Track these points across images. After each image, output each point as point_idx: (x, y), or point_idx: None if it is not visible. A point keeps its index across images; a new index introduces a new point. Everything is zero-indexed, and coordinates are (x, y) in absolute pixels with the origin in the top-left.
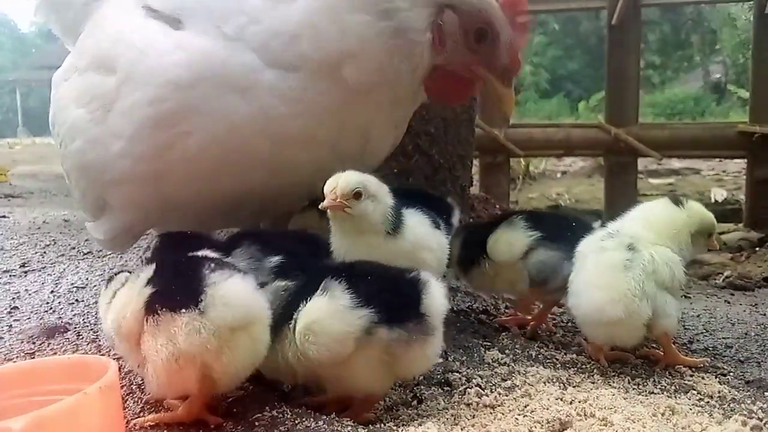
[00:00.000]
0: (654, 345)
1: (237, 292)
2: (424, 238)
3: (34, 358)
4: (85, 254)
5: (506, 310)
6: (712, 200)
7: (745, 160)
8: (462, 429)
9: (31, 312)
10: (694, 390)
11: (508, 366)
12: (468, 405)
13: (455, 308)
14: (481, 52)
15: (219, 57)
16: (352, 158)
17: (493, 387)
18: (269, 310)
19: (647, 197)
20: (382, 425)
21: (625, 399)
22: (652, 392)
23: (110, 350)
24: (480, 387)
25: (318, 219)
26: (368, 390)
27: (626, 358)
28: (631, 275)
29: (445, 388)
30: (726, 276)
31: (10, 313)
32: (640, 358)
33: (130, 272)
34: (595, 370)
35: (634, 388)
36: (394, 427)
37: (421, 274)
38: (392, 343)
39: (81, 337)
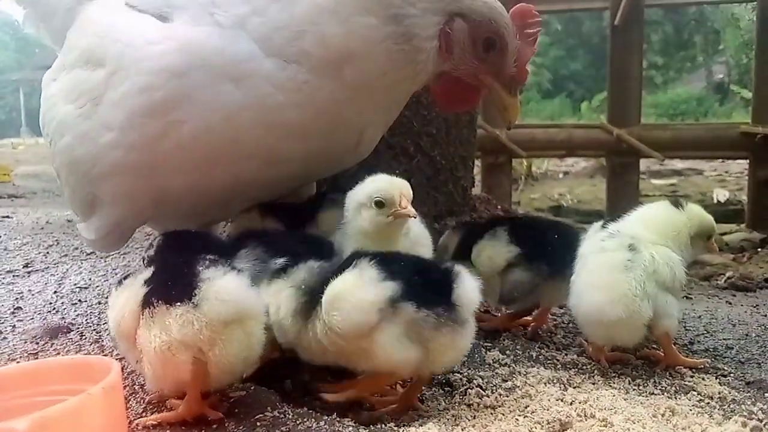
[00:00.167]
0: (654, 346)
1: (230, 288)
2: (420, 235)
3: (37, 358)
4: (88, 254)
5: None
6: (715, 201)
7: (748, 161)
8: (463, 429)
9: (35, 312)
10: (695, 391)
11: (509, 367)
12: (469, 405)
13: None
14: (488, 61)
15: (212, 44)
16: (345, 154)
17: (494, 388)
18: (264, 307)
19: (649, 198)
20: (383, 425)
21: (625, 400)
22: (653, 393)
23: (113, 351)
24: (481, 388)
25: (260, 220)
26: (392, 364)
27: (627, 359)
28: (632, 276)
29: (445, 388)
30: (728, 277)
31: (13, 313)
32: (641, 359)
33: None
34: (595, 371)
35: (634, 389)
36: (395, 428)
37: (455, 266)
38: (419, 323)
39: (84, 337)
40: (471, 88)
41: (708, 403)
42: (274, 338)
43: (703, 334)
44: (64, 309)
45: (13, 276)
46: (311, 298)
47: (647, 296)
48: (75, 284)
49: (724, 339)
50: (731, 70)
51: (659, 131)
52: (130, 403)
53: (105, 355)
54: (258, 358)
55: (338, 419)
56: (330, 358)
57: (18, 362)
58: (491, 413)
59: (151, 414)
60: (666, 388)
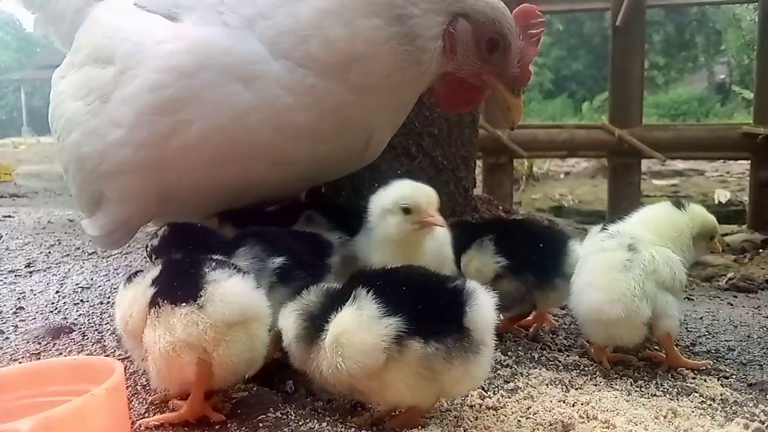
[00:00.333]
0: (656, 347)
1: (236, 290)
2: (444, 235)
3: (39, 358)
4: (89, 254)
5: None
6: (716, 201)
7: (749, 162)
8: (465, 431)
9: (37, 312)
10: (697, 393)
11: (511, 368)
12: (471, 407)
13: None
14: (492, 61)
15: (221, 45)
16: (353, 157)
17: (496, 389)
18: (269, 310)
19: (651, 198)
20: (385, 427)
21: (627, 401)
22: (655, 395)
23: (115, 351)
24: (483, 389)
25: (216, 226)
26: (407, 403)
27: (629, 361)
28: (631, 275)
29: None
30: (729, 278)
31: (15, 313)
32: (643, 361)
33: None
34: (597, 373)
35: (636, 391)
36: (398, 429)
37: (467, 284)
38: (429, 358)
39: (86, 337)
40: (474, 88)
41: (710, 404)
42: (277, 339)
43: (704, 335)
44: (66, 309)
45: (15, 276)
46: (311, 325)
47: (646, 296)
48: (77, 284)
49: (725, 340)
50: (733, 70)
51: (661, 132)
52: (133, 403)
53: (107, 356)
54: (261, 358)
55: (340, 420)
56: (342, 391)
57: (20, 362)
58: (493, 414)
59: (154, 414)
60: (668, 389)
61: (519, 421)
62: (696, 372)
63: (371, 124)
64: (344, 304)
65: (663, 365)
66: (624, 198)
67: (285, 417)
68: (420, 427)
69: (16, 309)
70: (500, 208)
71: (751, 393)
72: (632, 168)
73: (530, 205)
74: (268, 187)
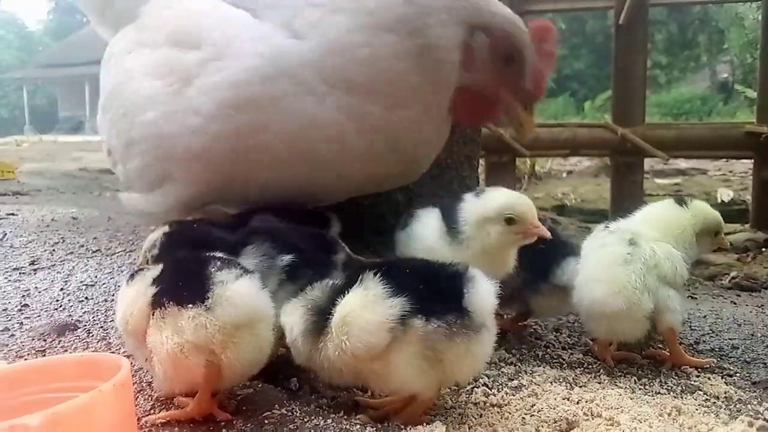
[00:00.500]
0: (660, 345)
1: (243, 292)
2: None
3: (44, 355)
4: (93, 252)
5: None
6: (719, 201)
7: (752, 161)
8: (469, 428)
9: (42, 309)
10: (701, 390)
11: (515, 366)
12: (475, 404)
13: None
14: (507, 76)
15: (302, 58)
16: (403, 171)
17: (500, 386)
18: (273, 310)
19: (653, 197)
20: (390, 423)
21: (631, 399)
22: (659, 392)
23: (120, 348)
24: (487, 386)
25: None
26: (410, 389)
27: (633, 359)
28: (632, 268)
29: (452, 387)
30: (732, 277)
31: (20, 310)
32: (647, 359)
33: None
34: (601, 370)
35: (640, 389)
36: (402, 426)
37: (467, 269)
38: (431, 336)
39: (91, 334)
40: (489, 102)
41: (714, 402)
42: (280, 336)
43: (708, 333)
44: (71, 306)
45: (20, 273)
46: (319, 318)
47: (647, 289)
48: (81, 282)
49: (729, 339)
50: (735, 69)
51: (663, 131)
52: (138, 400)
53: (112, 352)
54: (267, 358)
55: (345, 417)
56: (348, 379)
57: (26, 359)
58: (498, 412)
59: (159, 411)
60: (672, 387)
61: (523, 418)
62: (700, 370)
63: (413, 140)
64: (351, 289)
65: (667, 363)
66: (627, 197)
67: (290, 414)
68: (425, 424)
69: (21, 306)
70: None
71: (755, 391)
72: (635, 167)
73: (533, 203)
74: (324, 192)
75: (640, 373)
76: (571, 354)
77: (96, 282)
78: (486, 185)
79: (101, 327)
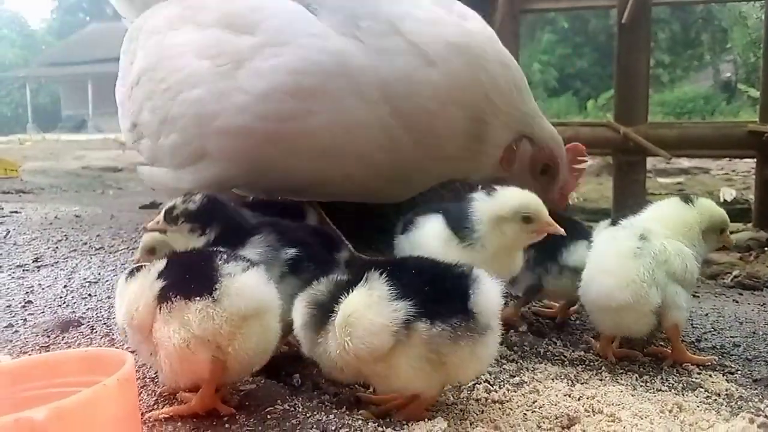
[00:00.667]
0: (662, 343)
1: (252, 283)
2: None
3: (48, 351)
4: (96, 249)
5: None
6: (721, 200)
7: (755, 160)
8: (470, 424)
9: (45, 306)
10: (702, 388)
11: (517, 362)
12: (477, 400)
13: None
14: (540, 182)
15: (360, 62)
16: (399, 193)
17: (502, 383)
18: (280, 301)
19: (656, 196)
20: (392, 420)
21: (632, 396)
22: (660, 389)
23: (124, 344)
24: (488, 383)
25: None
26: (413, 389)
27: (634, 356)
28: (641, 262)
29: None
30: (734, 275)
31: (24, 307)
32: (648, 356)
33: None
34: (603, 368)
35: (641, 386)
36: (404, 422)
37: (473, 271)
38: (436, 339)
39: (95, 330)
40: None
41: (715, 399)
42: (285, 331)
43: (710, 331)
44: (74, 303)
45: (24, 270)
46: (319, 312)
47: (656, 284)
48: (84, 279)
49: (731, 337)
50: (738, 68)
51: (666, 130)
52: (142, 395)
53: (116, 348)
54: (272, 350)
55: (347, 413)
56: (349, 377)
57: (30, 355)
58: (499, 408)
59: (163, 407)
60: (673, 384)
61: (525, 414)
62: (701, 367)
63: (422, 178)
64: (355, 287)
65: (668, 360)
66: (629, 196)
67: (293, 409)
68: (426, 419)
69: (25, 303)
70: None
71: (756, 388)
72: (637, 166)
73: None
74: (351, 190)
75: (641, 370)
76: (573, 351)
77: (99, 279)
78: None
79: (104, 323)
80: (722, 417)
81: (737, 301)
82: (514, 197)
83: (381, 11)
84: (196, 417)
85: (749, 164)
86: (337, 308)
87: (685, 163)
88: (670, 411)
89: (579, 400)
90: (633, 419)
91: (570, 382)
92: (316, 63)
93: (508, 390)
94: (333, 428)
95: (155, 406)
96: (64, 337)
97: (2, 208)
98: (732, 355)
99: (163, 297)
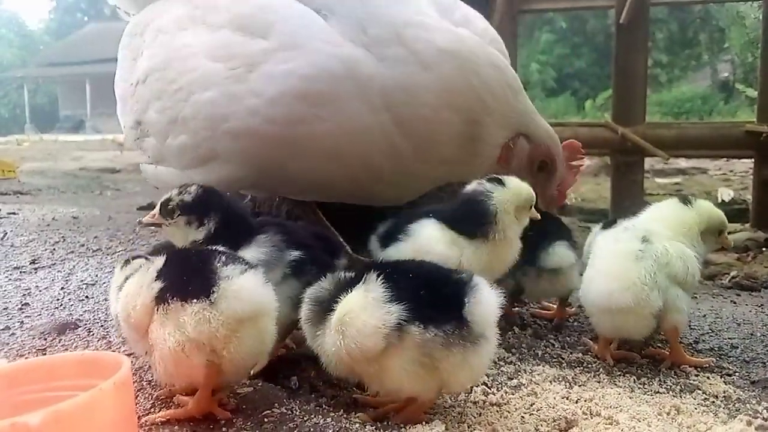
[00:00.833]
0: (660, 345)
1: (249, 286)
2: None
3: (45, 353)
4: (94, 251)
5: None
6: (719, 200)
7: (753, 160)
8: (468, 427)
9: (42, 308)
10: (700, 390)
11: (515, 365)
12: (474, 403)
13: None
14: (537, 179)
15: (369, 70)
16: (398, 198)
17: (500, 385)
18: (277, 304)
19: (654, 197)
20: (389, 423)
21: (630, 398)
22: (658, 392)
23: (120, 347)
24: (486, 385)
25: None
26: (407, 392)
27: (632, 358)
28: (642, 265)
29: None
30: (732, 276)
31: (21, 309)
32: (646, 358)
33: (147, 258)
34: (600, 370)
35: (639, 388)
36: (402, 425)
37: (473, 278)
38: (428, 344)
39: (91, 333)
40: None
41: (713, 402)
42: (282, 334)
43: (708, 333)
44: (72, 305)
45: (20, 272)
46: (319, 308)
47: (657, 287)
48: (82, 281)
49: (729, 338)
50: (736, 68)
51: (664, 130)
52: (139, 399)
53: (113, 351)
54: (269, 351)
55: (345, 416)
56: (344, 373)
57: (26, 358)
58: (497, 411)
59: (160, 410)
60: (671, 386)
61: (522, 417)
62: (699, 369)
63: (419, 185)
64: (354, 287)
65: (666, 362)
66: (627, 196)
67: (290, 412)
68: (424, 422)
69: (22, 305)
70: None
71: (754, 390)
72: (635, 166)
73: None
74: (356, 194)
75: (639, 372)
76: (571, 353)
77: (96, 281)
78: None
79: (102, 326)
80: (720, 419)
81: (735, 302)
82: (523, 185)
83: (385, 18)
84: (192, 421)
85: (747, 164)
86: (336, 306)
87: (682, 163)
88: (668, 413)
89: (577, 402)
90: (631, 422)
91: (568, 384)
92: (327, 69)
93: (506, 392)
94: (330, 431)
95: (152, 410)
96: (61, 339)
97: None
98: (730, 356)
99: (160, 298)
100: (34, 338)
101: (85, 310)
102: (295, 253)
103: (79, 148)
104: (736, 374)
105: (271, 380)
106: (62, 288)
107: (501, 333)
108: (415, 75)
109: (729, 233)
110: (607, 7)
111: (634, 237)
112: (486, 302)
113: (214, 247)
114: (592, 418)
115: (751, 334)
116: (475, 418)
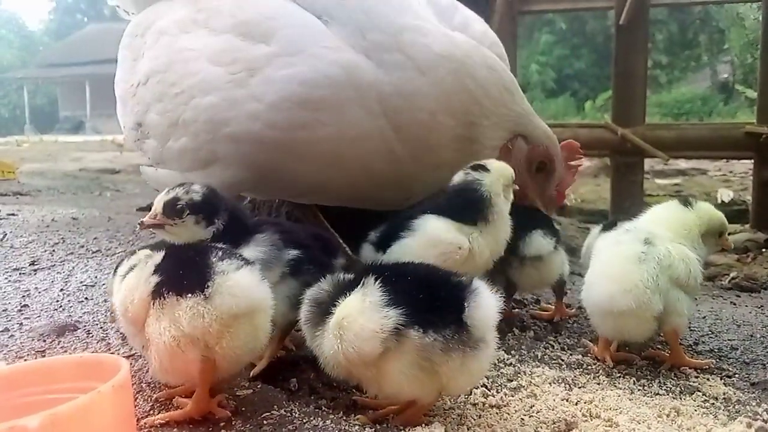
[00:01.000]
0: (659, 346)
1: (244, 282)
2: None
3: (44, 355)
4: (93, 252)
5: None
6: (719, 201)
7: (752, 161)
8: (468, 429)
9: (41, 310)
10: (700, 391)
11: (514, 366)
12: (474, 405)
13: None
14: (536, 179)
15: (370, 77)
16: (399, 201)
17: (499, 387)
18: (272, 300)
19: (653, 198)
20: (389, 425)
21: (630, 400)
22: (658, 393)
23: (120, 348)
24: (486, 387)
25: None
26: (406, 396)
27: (631, 360)
28: (645, 267)
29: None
30: (732, 277)
31: (20, 310)
32: (646, 360)
33: (153, 250)
34: (600, 372)
35: (639, 390)
36: (401, 427)
37: (473, 282)
38: (427, 348)
39: (91, 335)
40: (515, 197)
41: (713, 403)
42: (281, 336)
43: (707, 334)
44: (71, 307)
45: (20, 273)
46: (318, 310)
47: (659, 290)
48: (81, 282)
49: (728, 340)
50: (736, 69)
51: (663, 131)
52: (138, 401)
53: (112, 353)
54: (263, 347)
55: (344, 418)
56: (341, 376)
57: (26, 360)
58: (497, 412)
59: (159, 412)
60: (671, 388)
61: (522, 419)
62: (699, 371)
63: (421, 187)
64: (353, 291)
65: (666, 363)
66: (627, 197)
67: (289, 414)
68: (423, 425)
69: (21, 307)
70: None
71: (754, 392)
72: (635, 167)
73: None
74: (356, 198)
75: (639, 374)
76: (570, 355)
77: (96, 282)
78: None
79: (101, 327)
80: (720, 421)
81: (735, 303)
82: (504, 165)
83: (384, 24)
84: (192, 422)
85: (747, 165)
86: (335, 309)
87: (682, 164)
88: (668, 415)
89: (576, 404)
90: (630, 424)
91: (568, 386)
92: (328, 75)
93: (505, 394)
94: None
95: (151, 412)
96: (60, 341)
97: None
98: (729, 358)
99: (156, 293)
100: (33, 340)
101: (85, 312)
102: (293, 253)
103: (78, 149)
104: (736, 376)
105: (271, 382)
106: (62, 289)
107: (501, 335)
108: (413, 80)
109: (729, 234)
110: (606, 8)
111: (636, 239)
112: (486, 306)
113: (212, 244)
114: (591, 420)
115: (751, 336)
116: (474, 420)
